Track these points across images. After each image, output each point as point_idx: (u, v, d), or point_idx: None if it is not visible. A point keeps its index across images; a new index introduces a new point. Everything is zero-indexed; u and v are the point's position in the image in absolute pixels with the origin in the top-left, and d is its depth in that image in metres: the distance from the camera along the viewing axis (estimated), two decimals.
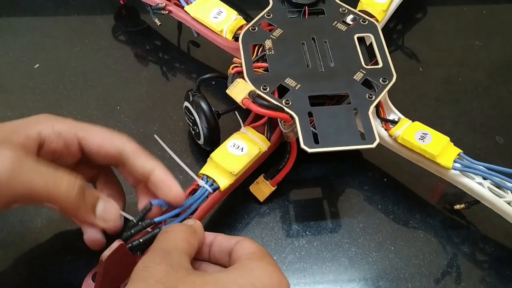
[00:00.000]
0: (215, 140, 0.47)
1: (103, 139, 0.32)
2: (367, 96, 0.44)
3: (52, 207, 0.30)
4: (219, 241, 0.32)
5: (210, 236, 0.33)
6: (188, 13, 0.52)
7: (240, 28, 0.50)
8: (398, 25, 0.62)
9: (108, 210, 0.32)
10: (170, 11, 0.54)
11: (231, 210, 0.47)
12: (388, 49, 0.48)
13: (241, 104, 0.43)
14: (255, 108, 0.42)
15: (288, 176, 0.47)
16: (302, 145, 0.40)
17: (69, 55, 0.58)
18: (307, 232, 0.46)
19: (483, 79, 0.58)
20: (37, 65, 0.57)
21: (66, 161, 0.32)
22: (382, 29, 0.56)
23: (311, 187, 0.49)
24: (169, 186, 0.34)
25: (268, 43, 0.47)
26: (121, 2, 0.60)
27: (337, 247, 0.45)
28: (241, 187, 0.45)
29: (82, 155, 0.32)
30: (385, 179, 0.49)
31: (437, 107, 0.56)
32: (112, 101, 0.55)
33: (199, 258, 0.33)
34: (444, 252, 0.45)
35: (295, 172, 0.48)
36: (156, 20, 0.56)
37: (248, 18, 0.52)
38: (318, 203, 0.48)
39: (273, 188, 0.46)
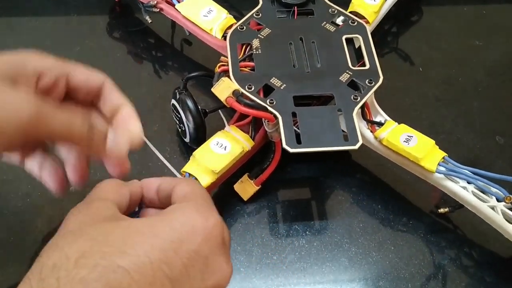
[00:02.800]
0: (201, 138, 0.47)
1: (88, 73, 0.33)
2: (352, 98, 0.44)
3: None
4: (163, 185, 0.31)
5: (157, 180, 0.32)
6: (179, 11, 0.52)
7: (230, 27, 0.50)
8: (393, 27, 0.62)
9: (117, 138, 0.33)
10: (161, 9, 0.54)
11: (228, 207, 0.47)
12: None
13: (224, 103, 0.43)
14: (238, 107, 0.42)
15: (279, 176, 0.47)
16: (284, 145, 0.40)
17: (69, 55, 0.57)
18: (307, 232, 0.46)
19: (483, 79, 0.58)
20: None
21: (54, 97, 0.32)
22: (377, 31, 0.57)
23: (302, 187, 0.50)
24: (133, 123, 0.34)
25: (255, 43, 0.47)
26: None
27: (337, 247, 0.45)
28: (227, 184, 0.45)
29: (66, 91, 0.33)
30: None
31: (437, 107, 0.56)
32: None
33: (151, 205, 0.32)
34: (444, 252, 0.45)
35: (285, 172, 0.49)
36: (147, 18, 0.56)
37: (240, 17, 0.52)
38: (307, 203, 0.48)
39: (257, 188, 0.46)
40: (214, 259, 0.27)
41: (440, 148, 0.43)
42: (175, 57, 0.59)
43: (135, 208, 0.32)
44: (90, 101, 0.34)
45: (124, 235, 0.25)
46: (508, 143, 0.53)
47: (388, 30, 0.62)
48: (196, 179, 0.42)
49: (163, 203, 0.31)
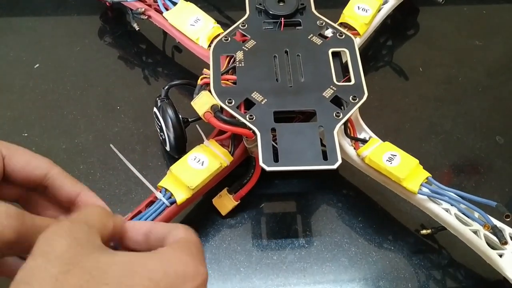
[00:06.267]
0: (181, 147, 0.47)
1: (28, 159, 0.31)
2: (334, 115, 0.43)
3: None
4: (156, 229, 0.30)
5: (147, 224, 0.31)
6: (166, 19, 0.51)
7: (217, 36, 0.49)
8: (388, 41, 0.61)
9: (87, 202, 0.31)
10: (149, 16, 0.53)
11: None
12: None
13: (203, 118, 0.42)
14: (216, 123, 0.41)
15: (263, 190, 0.46)
16: (261, 163, 0.40)
17: (69, 55, 0.59)
18: (307, 232, 0.46)
19: (483, 79, 0.58)
20: (37, 65, 0.58)
21: None
22: (373, 44, 0.55)
23: (287, 201, 0.49)
24: (100, 204, 0.32)
25: (239, 55, 0.46)
26: (107, 4, 0.60)
27: (337, 247, 0.46)
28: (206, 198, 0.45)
29: (4, 175, 0.32)
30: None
31: (437, 107, 0.55)
32: (112, 101, 0.55)
33: (134, 248, 0.31)
34: (444, 253, 0.45)
35: (270, 186, 0.48)
36: (135, 25, 0.56)
37: (231, 25, 0.51)
38: (292, 218, 0.48)
39: (236, 203, 0.46)
40: None
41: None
42: (165, 64, 0.59)
43: (110, 243, 0.31)
44: (32, 187, 0.32)
45: (120, 274, 0.24)
46: (508, 143, 0.53)
47: (387, 30, 0.62)
48: (171, 194, 0.41)
49: (152, 245, 0.30)
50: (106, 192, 0.48)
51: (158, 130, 0.48)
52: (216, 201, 0.46)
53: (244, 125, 0.42)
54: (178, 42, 0.53)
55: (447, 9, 0.65)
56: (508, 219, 0.38)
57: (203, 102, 0.42)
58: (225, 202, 0.46)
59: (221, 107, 0.43)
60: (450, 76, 0.58)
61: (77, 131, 0.52)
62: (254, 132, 0.41)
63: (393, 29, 0.62)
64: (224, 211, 0.46)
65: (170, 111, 0.45)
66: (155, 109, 0.47)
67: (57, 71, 0.57)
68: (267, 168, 0.39)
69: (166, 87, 0.47)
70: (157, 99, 0.47)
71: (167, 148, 0.48)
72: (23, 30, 0.61)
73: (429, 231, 0.44)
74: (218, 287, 0.43)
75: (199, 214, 0.47)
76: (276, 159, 0.40)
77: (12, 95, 0.55)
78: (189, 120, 0.47)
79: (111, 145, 0.40)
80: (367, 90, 0.44)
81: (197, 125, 0.43)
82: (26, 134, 0.52)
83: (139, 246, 0.31)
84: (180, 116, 0.46)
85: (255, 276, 0.44)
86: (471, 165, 0.51)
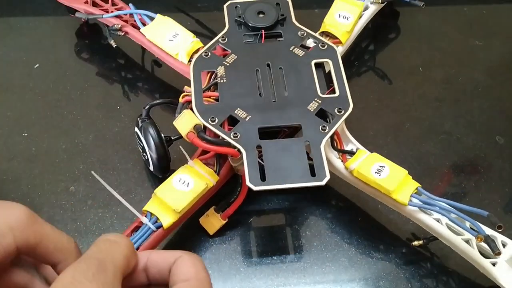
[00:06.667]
0: (164, 167, 0.46)
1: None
2: (320, 128, 0.42)
3: None
4: (154, 260, 0.28)
5: (142, 256, 0.28)
6: (144, 35, 0.50)
7: (197, 51, 0.48)
8: (370, 45, 0.61)
9: None
10: (126, 32, 0.52)
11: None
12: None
13: (185, 138, 0.41)
14: (199, 144, 0.40)
15: (251, 205, 0.46)
16: (248, 183, 0.39)
17: (69, 55, 0.59)
18: (307, 232, 0.46)
19: (483, 79, 0.58)
20: (37, 65, 0.58)
21: None
22: (354, 48, 0.55)
23: (276, 214, 0.48)
24: None
25: (220, 70, 0.45)
26: (82, 20, 0.58)
27: (337, 247, 0.45)
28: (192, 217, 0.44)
29: None
30: None
31: (437, 107, 0.55)
32: (112, 101, 0.55)
33: (134, 285, 0.28)
34: (444, 253, 0.45)
35: (258, 200, 0.48)
36: (112, 42, 0.54)
37: (211, 38, 0.50)
38: (281, 231, 0.47)
39: (224, 222, 0.45)
40: None
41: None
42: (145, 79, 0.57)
43: None
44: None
45: None
46: (508, 143, 0.53)
47: (383, 31, 0.62)
48: (157, 218, 0.40)
49: (157, 280, 0.28)
50: (106, 192, 0.46)
51: (141, 151, 0.47)
52: (203, 221, 0.45)
53: (228, 144, 0.41)
54: (157, 57, 0.52)
55: (447, 9, 0.65)
56: (501, 230, 0.38)
57: (185, 122, 0.41)
58: (213, 221, 0.45)
59: (204, 126, 0.42)
60: (450, 76, 0.58)
61: (77, 131, 0.52)
62: (239, 150, 0.40)
63: (376, 32, 0.61)
64: (211, 230, 0.45)
65: (152, 131, 0.44)
66: (136, 129, 0.46)
67: (57, 71, 0.57)
68: (254, 188, 0.38)
69: (147, 106, 0.46)
70: (138, 119, 0.46)
71: (151, 168, 0.46)
72: (23, 30, 0.61)
73: (421, 242, 0.44)
74: (218, 287, 0.43)
75: (185, 234, 0.46)
76: (263, 178, 0.39)
77: (12, 95, 0.55)
78: (172, 138, 0.46)
79: (92, 172, 0.39)
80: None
81: (180, 146, 0.42)
82: (26, 134, 0.52)
83: (138, 281, 0.29)
84: (162, 135, 0.45)
85: (255, 276, 0.44)
86: (471, 165, 0.51)
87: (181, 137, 0.45)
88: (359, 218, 0.47)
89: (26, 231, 0.26)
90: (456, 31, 0.63)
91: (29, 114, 0.54)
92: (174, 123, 0.42)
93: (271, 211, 0.48)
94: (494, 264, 0.40)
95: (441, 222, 0.41)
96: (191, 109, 0.43)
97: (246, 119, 0.42)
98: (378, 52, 0.60)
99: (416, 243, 0.44)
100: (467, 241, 0.41)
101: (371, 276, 0.44)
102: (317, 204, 0.48)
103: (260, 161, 0.40)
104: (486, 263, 0.40)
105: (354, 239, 0.46)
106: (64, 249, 0.27)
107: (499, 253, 0.39)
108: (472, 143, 0.53)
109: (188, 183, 0.41)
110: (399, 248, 0.45)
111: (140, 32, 0.51)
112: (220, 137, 0.41)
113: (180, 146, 0.42)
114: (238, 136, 0.41)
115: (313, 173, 0.40)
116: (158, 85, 0.57)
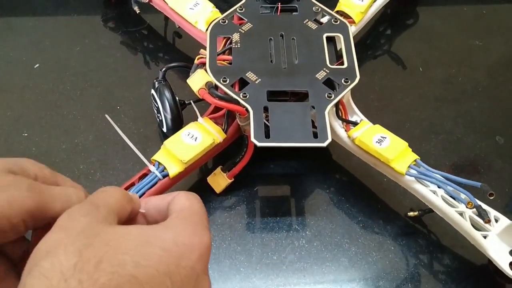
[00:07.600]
0: (177, 128, 0.47)
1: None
2: (326, 95, 0.44)
3: None
4: (153, 202, 0.31)
5: (142, 202, 0.31)
6: (166, 3, 0.53)
7: (215, 20, 0.50)
8: (389, 29, 0.62)
9: None
10: (150, 0, 0.55)
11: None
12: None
13: (197, 94, 0.43)
14: (210, 99, 0.42)
15: (258, 171, 0.46)
16: (252, 138, 0.40)
17: (69, 55, 0.59)
18: (307, 232, 0.46)
19: (483, 79, 0.58)
20: (37, 65, 0.58)
21: None
22: (371, 33, 0.56)
23: (281, 184, 0.50)
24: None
25: (235, 37, 0.47)
26: None
27: (337, 247, 0.46)
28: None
29: None
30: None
31: (437, 107, 0.56)
32: (112, 101, 0.55)
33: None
34: (443, 253, 0.45)
35: (265, 168, 0.49)
36: (136, 8, 0.57)
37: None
38: (285, 200, 0.49)
39: (230, 181, 0.47)
40: (203, 278, 0.27)
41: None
42: (166, 49, 0.59)
43: None
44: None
45: (136, 244, 0.26)
46: (508, 143, 0.53)
47: (385, 30, 0.62)
48: (164, 167, 0.42)
49: (156, 220, 0.30)
50: None
51: (155, 112, 0.49)
52: (210, 179, 0.47)
53: (237, 102, 0.43)
54: (178, 26, 0.54)
55: (447, 9, 0.65)
56: (492, 197, 0.39)
57: (198, 80, 0.43)
58: (219, 180, 0.47)
59: (216, 86, 0.44)
60: (450, 76, 0.58)
61: (77, 131, 0.53)
62: (247, 109, 0.42)
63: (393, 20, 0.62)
64: (218, 189, 0.47)
65: (167, 93, 0.47)
66: (152, 91, 0.48)
67: (57, 71, 0.57)
68: (258, 144, 0.40)
69: (164, 69, 0.48)
70: (155, 81, 0.48)
71: (164, 129, 0.49)
72: (23, 30, 0.62)
73: (416, 213, 0.45)
74: (218, 287, 0.43)
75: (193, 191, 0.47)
76: (267, 136, 0.41)
77: (12, 95, 0.55)
78: (186, 102, 0.48)
79: (106, 115, 0.40)
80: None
81: (192, 102, 0.44)
82: (26, 134, 0.53)
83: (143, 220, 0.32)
84: (177, 98, 0.47)
85: (255, 276, 0.44)
86: (471, 165, 0.51)
87: (194, 101, 0.47)
88: (360, 218, 0.47)
89: (27, 202, 0.27)
90: (456, 31, 0.63)
91: (29, 114, 0.54)
92: (188, 80, 0.44)
93: (270, 209, 0.48)
94: (485, 237, 0.41)
95: (437, 194, 0.43)
96: (205, 70, 0.45)
97: (256, 82, 0.44)
98: (378, 52, 0.61)
99: (411, 214, 0.45)
100: (460, 214, 0.42)
101: (371, 276, 0.44)
102: (317, 203, 0.49)
103: (266, 122, 0.42)
104: (477, 235, 0.41)
105: (354, 239, 0.46)
106: (73, 204, 0.29)
107: (488, 221, 0.40)
108: (472, 143, 0.53)
109: (196, 138, 0.43)
110: (399, 248, 0.46)
111: (163, 0, 0.53)
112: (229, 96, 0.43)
113: (192, 102, 0.44)
114: (247, 96, 0.43)
115: (315, 136, 0.41)
116: (177, 56, 0.58)
